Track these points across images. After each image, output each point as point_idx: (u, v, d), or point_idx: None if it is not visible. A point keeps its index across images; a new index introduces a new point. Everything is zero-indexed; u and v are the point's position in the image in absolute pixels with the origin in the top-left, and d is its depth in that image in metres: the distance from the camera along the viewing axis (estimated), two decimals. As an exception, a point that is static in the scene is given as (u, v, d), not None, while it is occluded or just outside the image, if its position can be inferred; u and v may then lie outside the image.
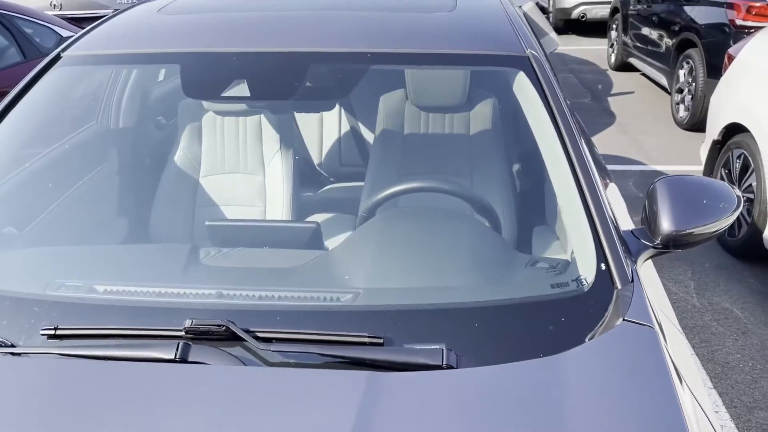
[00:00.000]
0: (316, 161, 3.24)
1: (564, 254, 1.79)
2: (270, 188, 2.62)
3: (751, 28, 5.26)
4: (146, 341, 1.27)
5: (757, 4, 5.25)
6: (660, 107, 6.89)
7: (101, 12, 5.95)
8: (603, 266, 1.41)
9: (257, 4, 2.13)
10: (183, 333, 1.26)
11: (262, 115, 2.61)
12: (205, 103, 2.56)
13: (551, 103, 1.73)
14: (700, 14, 5.95)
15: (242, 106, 2.56)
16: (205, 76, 1.86)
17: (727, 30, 5.49)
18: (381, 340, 1.24)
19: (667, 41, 6.61)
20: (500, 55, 1.84)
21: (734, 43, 5.38)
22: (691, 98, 5.97)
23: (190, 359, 1.22)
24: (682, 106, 6.20)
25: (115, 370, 1.21)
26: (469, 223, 1.74)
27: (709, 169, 4.19)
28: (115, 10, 5.95)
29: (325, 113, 3.22)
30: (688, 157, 5.46)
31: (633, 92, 7.53)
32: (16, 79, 3.72)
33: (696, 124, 5.91)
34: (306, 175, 2.97)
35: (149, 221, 2.47)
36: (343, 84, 2.02)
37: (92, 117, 2.59)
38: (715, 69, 5.56)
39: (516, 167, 2.54)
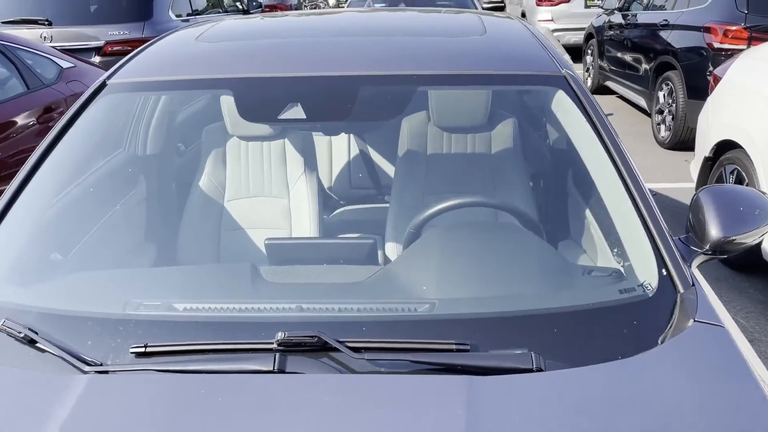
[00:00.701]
0: (326, 184, 3.30)
1: (597, 263, 1.86)
2: (295, 210, 2.66)
3: (728, 50, 5.49)
4: (239, 355, 1.29)
5: (733, 28, 5.48)
6: (640, 128, 7.10)
7: (92, 44, 5.96)
8: (664, 272, 1.48)
9: (291, 32, 2.19)
10: (275, 345, 1.28)
11: (286, 139, 2.66)
12: (229, 128, 2.60)
13: (594, 119, 1.82)
14: (677, 38, 6.18)
15: (266, 131, 2.62)
16: (261, 100, 1.91)
17: (705, 53, 5.72)
18: (468, 347, 1.28)
19: (645, 65, 6.84)
20: (538, 75, 1.93)
21: (713, 65, 5.61)
22: (672, 118, 6.18)
23: (288, 370, 1.25)
24: (663, 126, 6.41)
25: (213, 383, 1.24)
26: (522, 234, 1.80)
27: (702, 185, 4.34)
28: (107, 42, 6.00)
29: (333, 137, 3.28)
30: (672, 175, 5.63)
31: (612, 114, 7.76)
32: (20, 110, 3.74)
33: (678, 143, 6.11)
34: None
35: (177, 246, 2.49)
36: (392, 105, 2.08)
37: (122, 144, 2.61)
38: (695, 90, 5.78)
39: (540, 182, 2.62)
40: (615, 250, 1.83)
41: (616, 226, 1.73)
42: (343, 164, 3.41)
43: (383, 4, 6.90)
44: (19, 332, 1.36)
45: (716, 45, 5.58)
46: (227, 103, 2.47)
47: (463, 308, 1.42)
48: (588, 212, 2.15)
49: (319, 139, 3.23)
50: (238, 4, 8.73)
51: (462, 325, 1.35)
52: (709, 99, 4.37)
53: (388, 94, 1.95)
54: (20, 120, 3.74)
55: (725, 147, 4.03)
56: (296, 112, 1.87)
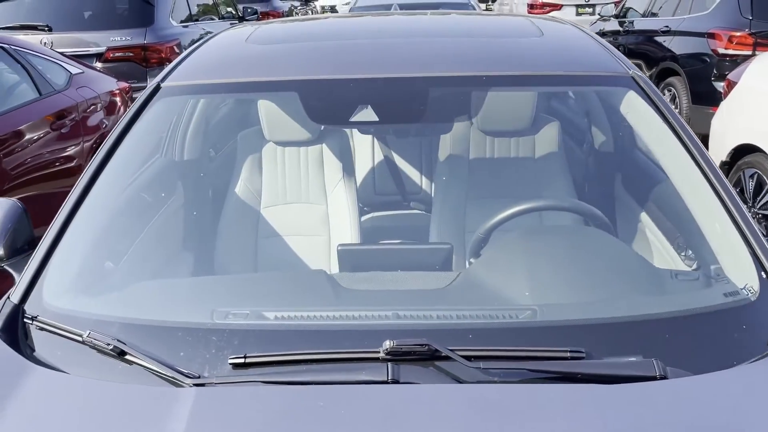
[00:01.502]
0: None
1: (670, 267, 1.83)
2: (334, 217, 2.60)
3: (733, 56, 5.54)
4: (346, 365, 1.23)
5: (738, 34, 5.54)
6: (641, 134, 7.14)
7: (92, 50, 5.85)
8: (764, 274, 1.45)
9: (345, 35, 2.15)
10: (383, 354, 1.23)
11: (324, 144, 2.61)
12: (266, 134, 2.54)
13: (670, 119, 1.79)
14: (680, 45, 6.24)
15: (303, 135, 2.56)
16: (331, 103, 1.86)
17: (710, 59, 5.77)
18: (583, 354, 1.24)
19: (646, 71, 6.89)
20: (607, 76, 1.90)
21: (717, 71, 5.66)
22: (676, 124, 6.21)
23: (402, 380, 1.20)
24: (666, 132, 6.44)
25: (326, 394, 1.18)
26: (604, 237, 1.76)
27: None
28: (109, 48, 5.89)
29: (357, 143, 3.24)
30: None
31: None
32: (34, 116, 3.64)
33: (682, 148, 6.14)
34: None
35: (214, 254, 2.43)
36: (464, 106, 2.04)
37: (160, 149, 2.53)
38: (699, 96, 5.82)
39: (594, 184, 2.58)
40: (687, 253, 1.79)
41: (701, 228, 1.70)
42: (367, 170, 3.36)
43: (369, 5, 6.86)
44: (107, 344, 1.29)
45: (721, 51, 5.63)
46: (265, 107, 2.42)
47: (568, 314, 1.37)
48: (650, 214, 2.13)
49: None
50: (231, 10, 8.66)
51: (570, 332, 1.30)
52: (723, 104, 4.39)
53: (460, 96, 1.91)
54: (34, 126, 3.64)
55: (743, 151, 4.04)
56: (368, 114, 1.82)
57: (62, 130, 3.85)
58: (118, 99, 4.68)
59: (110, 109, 4.50)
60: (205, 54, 2.10)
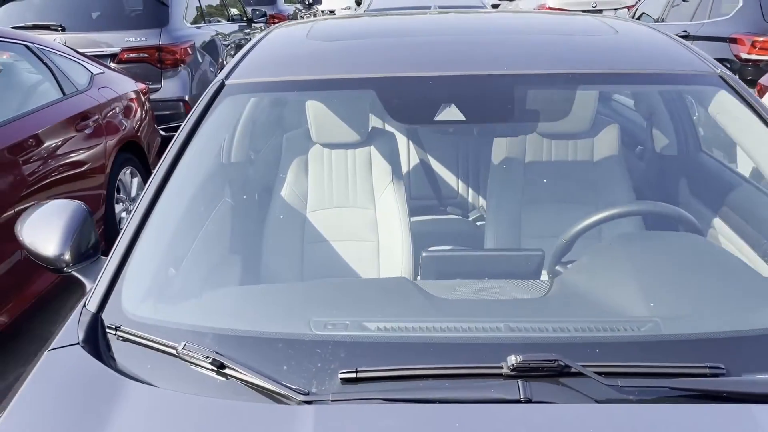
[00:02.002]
0: None
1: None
2: (382, 222, 2.51)
3: (757, 61, 5.48)
4: (468, 381, 1.14)
5: (761, 39, 5.49)
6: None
7: (107, 50, 5.73)
8: None
9: (411, 32, 2.06)
10: (508, 370, 1.14)
11: (372, 147, 2.52)
12: (314, 135, 2.45)
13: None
14: (702, 49, 6.17)
15: (352, 137, 2.47)
16: (414, 101, 1.77)
17: (732, 64, 5.72)
18: (723, 370, 1.15)
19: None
20: (695, 74, 1.82)
21: (740, 76, 5.61)
22: (695, 129, 6.17)
23: (535, 399, 1.10)
24: (684, 138, 6.39)
25: (448, 412, 1.08)
26: (708, 245, 1.68)
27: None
28: (123, 48, 5.77)
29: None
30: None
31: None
32: (58, 116, 3.53)
33: (702, 154, 6.09)
34: None
35: (260, 259, 2.34)
36: (554, 105, 1.95)
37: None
38: (721, 101, 5.76)
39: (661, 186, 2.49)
40: None
41: None
42: (403, 174, 3.28)
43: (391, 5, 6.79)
44: (205, 357, 1.19)
45: (744, 56, 5.58)
46: (313, 108, 2.33)
47: (697, 326, 1.28)
48: (726, 219, 2.04)
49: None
50: (238, 12, 8.56)
51: (703, 346, 1.21)
52: (755, 108, 4.33)
53: (546, 95, 1.82)
54: (60, 126, 3.53)
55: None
56: (452, 113, 1.73)
57: (86, 131, 3.74)
58: (136, 100, 4.57)
59: (130, 110, 4.40)
60: (267, 50, 2.01)
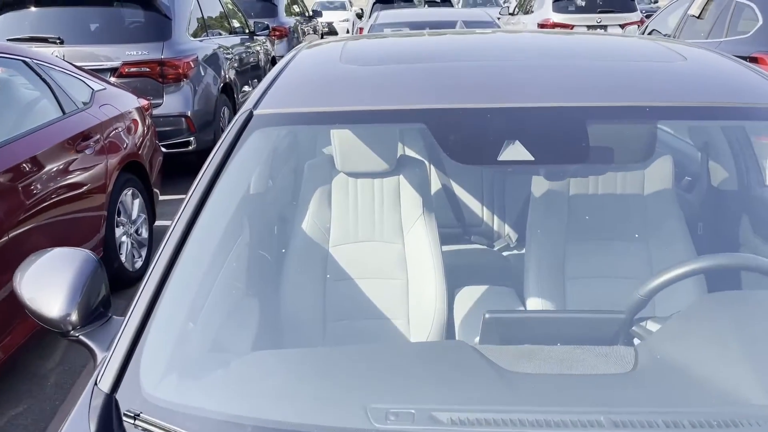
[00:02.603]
0: None
1: None
2: (412, 258, 2.30)
3: (779, 81, 5.32)
4: None
5: (784, 59, 5.32)
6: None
7: (107, 64, 5.52)
8: None
9: (454, 56, 1.85)
10: None
11: (401, 176, 2.31)
12: (338, 164, 2.24)
13: None
14: (717, 68, 6.01)
15: (380, 166, 2.26)
16: (470, 138, 1.55)
17: (752, 83, 5.55)
18: None
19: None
20: None
21: (762, 96, 5.43)
22: (713, 150, 5.99)
23: None
24: (700, 158, 6.21)
25: None
26: None
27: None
28: (124, 62, 5.55)
29: None
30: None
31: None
32: (59, 136, 3.31)
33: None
34: None
35: (279, 299, 2.12)
36: (632, 143, 1.74)
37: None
38: (741, 121, 5.59)
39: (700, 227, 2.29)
40: None
41: None
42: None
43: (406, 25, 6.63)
44: None
45: (765, 75, 5.41)
46: (338, 134, 2.12)
47: None
48: None
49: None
50: (240, 24, 8.37)
51: None
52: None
53: (624, 131, 1.62)
54: (60, 147, 3.30)
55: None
56: (517, 152, 1.51)
57: (87, 152, 3.52)
58: (139, 118, 4.36)
59: (132, 128, 4.18)
60: (297, 76, 1.80)
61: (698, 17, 6.70)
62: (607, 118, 1.55)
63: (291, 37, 11.46)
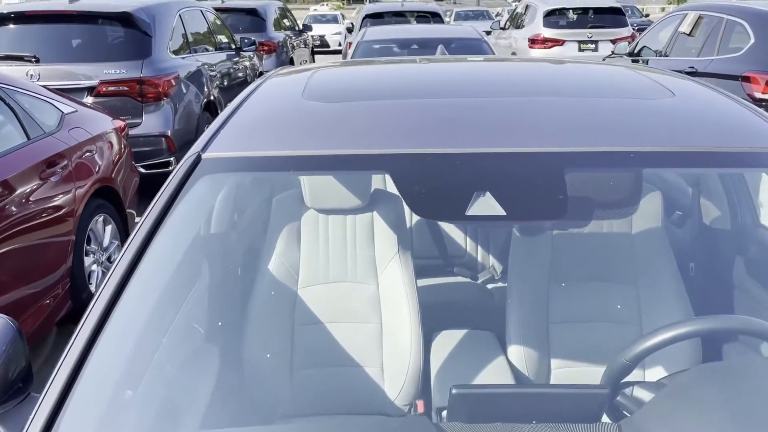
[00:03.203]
0: None
1: None
2: (386, 299, 2.15)
3: (772, 101, 5.22)
4: None
5: (776, 78, 5.22)
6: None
7: (84, 83, 5.36)
8: None
9: (425, 90, 1.71)
10: None
11: (375, 212, 2.17)
12: (307, 200, 2.10)
13: None
14: (709, 87, 5.91)
15: (353, 203, 2.12)
16: (436, 189, 1.40)
17: (744, 103, 5.44)
18: None
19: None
20: None
21: (754, 115, 5.33)
22: (705, 170, 5.88)
23: None
24: (692, 178, 6.11)
25: None
26: None
27: None
28: (102, 81, 5.41)
29: None
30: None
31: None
32: (21, 164, 3.15)
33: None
34: None
35: (242, 346, 1.97)
36: (616, 195, 1.59)
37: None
38: (733, 141, 5.48)
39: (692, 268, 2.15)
40: None
41: None
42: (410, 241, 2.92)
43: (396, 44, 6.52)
44: None
45: (757, 95, 5.31)
46: None
47: None
48: None
49: None
50: (226, 40, 8.25)
51: None
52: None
53: (607, 180, 1.48)
54: (22, 176, 3.14)
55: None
56: (487, 205, 1.35)
57: (52, 179, 3.36)
58: (114, 140, 4.20)
59: (105, 152, 4.02)
60: (253, 113, 1.65)
61: (689, 34, 6.61)
62: (587, 166, 1.41)
63: (280, 52, 11.34)
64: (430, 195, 1.41)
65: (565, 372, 2.01)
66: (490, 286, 2.85)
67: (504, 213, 1.34)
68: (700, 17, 6.48)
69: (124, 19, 5.64)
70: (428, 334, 2.13)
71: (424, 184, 1.40)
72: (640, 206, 2.17)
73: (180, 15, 6.55)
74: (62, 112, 3.75)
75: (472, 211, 1.35)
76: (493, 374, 1.93)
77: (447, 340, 2.17)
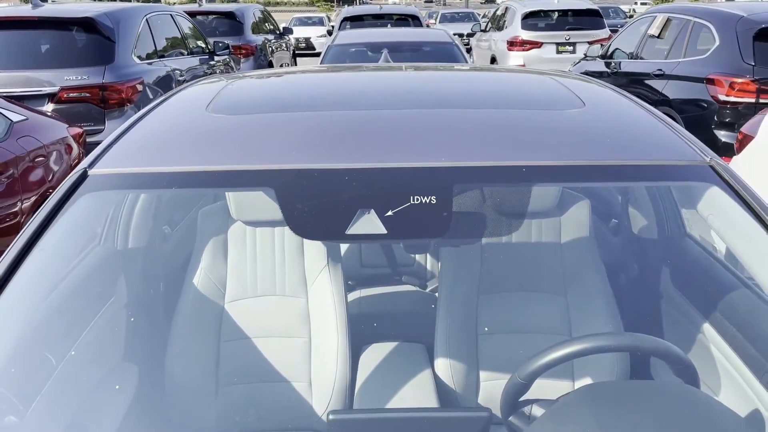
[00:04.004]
0: None
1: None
2: (315, 313, 2.11)
3: (736, 103, 5.21)
4: None
5: (740, 81, 5.21)
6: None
7: (44, 90, 5.30)
8: None
9: (332, 100, 1.67)
10: None
11: None
12: (233, 212, 2.05)
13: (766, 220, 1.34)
14: (675, 90, 5.91)
15: (280, 214, 2.08)
16: (318, 206, 1.36)
17: (708, 105, 5.44)
18: None
19: (637, 115, 6.55)
20: (680, 166, 1.45)
21: (718, 118, 5.32)
22: (672, 172, 5.87)
23: None
24: (661, 180, 6.09)
25: None
26: (701, 401, 1.28)
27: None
28: (63, 87, 5.34)
29: None
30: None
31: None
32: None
33: (680, 198, 5.79)
34: None
35: (164, 366, 1.92)
36: (498, 208, 1.56)
37: (95, 238, 2.01)
38: (699, 144, 5.48)
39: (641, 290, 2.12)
40: None
41: None
42: (341, 254, 2.89)
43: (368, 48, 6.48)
44: None
45: (722, 98, 5.30)
46: None
47: None
48: (719, 329, 1.67)
49: None
50: (200, 44, 8.19)
51: None
52: (738, 158, 4.01)
53: (498, 194, 1.44)
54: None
55: None
56: (370, 224, 1.32)
57: (-4, 190, 3.31)
58: (68, 147, 4.14)
59: (58, 159, 3.97)
60: (151, 128, 1.61)
61: (658, 37, 6.61)
62: (475, 181, 1.37)
63: (258, 56, 11.28)
64: (314, 213, 1.36)
65: (494, 384, 1.98)
66: (437, 294, 2.82)
67: (385, 231, 1.30)
68: (668, 19, 6.48)
69: (86, 24, 5.58)
70: (358, 348, 2.09)
71: (307, 202, 1.36)
72: (568, 215, 2.14)
73: (147, 20, 6.48)
74: (11, 121, 3.69)
75: (353, 229, 1.31)
76: (417, 389, 1.89)
77: (376, 354, 2.13)
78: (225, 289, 2.07)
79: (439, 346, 1.95)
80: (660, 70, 6.21)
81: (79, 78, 5.33)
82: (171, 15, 7.39)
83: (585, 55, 8.38)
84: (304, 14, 26.71)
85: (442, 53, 6.63)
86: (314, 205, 1.36)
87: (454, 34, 7.54)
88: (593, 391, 1.32)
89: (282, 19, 21.23)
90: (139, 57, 6.07)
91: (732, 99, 5.24)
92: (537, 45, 11.06)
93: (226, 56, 8.75)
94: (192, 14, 10.52)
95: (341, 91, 1.89)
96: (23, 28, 5.53)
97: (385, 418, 1.41)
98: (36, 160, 3.73)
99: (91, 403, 1.71)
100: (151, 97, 5.95)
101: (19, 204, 3.45)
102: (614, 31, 9.54)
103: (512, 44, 11.20)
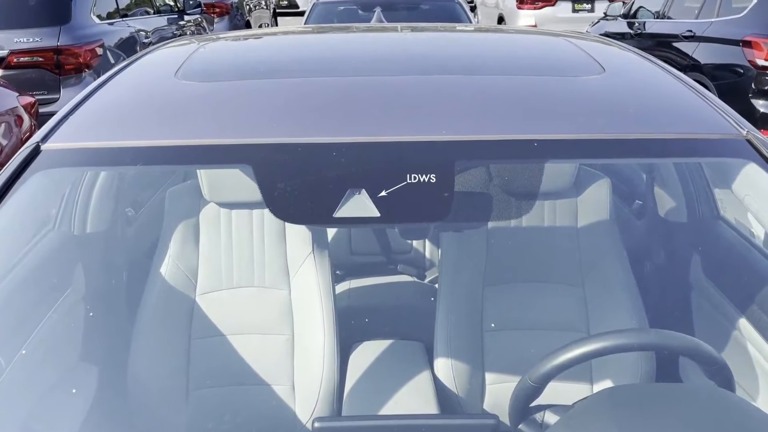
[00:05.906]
0: None
1: None
2: (299, 307, 2.11)
3: (776, 69, 5.22)
4: None
5: (780, 43, 5.21)
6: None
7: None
8: None
9: (317, 64, 1.65)
10: None
11: None
12: (205, 192, 2.05)
13: None
14: (706, 53, 5.91)
15: (258, 195, 2.08)
16: (307, 185, 1.34)
17: (745, 71, 5.44)
18: None
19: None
20: (714, 140, 1.45)
21: (756, 86, 5.33)
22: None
23: None
24: (690, 156, 6.12)
25: None
26: (734, 405, 1.28)
27: None
28: (12, 51, 5.31)
29: None
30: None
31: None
32: None
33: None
34: None
35: (127, 367, 1.93)
36: (506, 187, 1.55)
37: (49, 221, 2.00)
38: (733, 114, 5.50)
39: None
40: None
41: None
42: (328, 240, 2.90)
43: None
44: None
45: (760, 63, 5.31)
46: None
47: None
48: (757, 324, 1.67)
49: None
50: (169, 2, 8.15)
51: None
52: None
53: (507, 172, 1.43)
54: None
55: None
56: (360, 206, 1.30)
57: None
58: (18, 119, 4.12)
59: (6, 133, 3.95)
60: (113, 97, 1.59)
61: (688, -7, 6.60)
62: (484, 157, 1.37)
63: (233, 15, 11.26)
64: (297, 193, 1.35)
65: (502, 388, 1.98)
66: (438, 285, 2.83)
67: (377, 214, 1.29)
68: (699, -26, 6.47)
69: (38, -21, 5.55)
70: (348, 346, 2.09)
71: (290, 181, 1.35)
72: (586, 196, 2.14)
73: (108, -27, 6.45)
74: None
75: (342, 212, 1.30)
76: (414, 393, 1.90)
77: (367, 353, 2.14)
78: (196, 279, 2.07)
79: (439, 345, 1.93)
80: (690, 31, 6.22)
81: (31, 40, 5.33)
82: (135, -32, 7.34)
83: (605, 13, 8.38)
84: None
85: (443, 12, 6.64)
86: (298, 184, 1.35)
87: None
88: (614, 396, 1.32)
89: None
90: (99, 16, 6.06)
91: (771, 64, 5.26)
92: (550, 2, 11.07)
93: (198, 15, 8.74)
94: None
95: (328, 55, 1.88)
96: (-35, -17, 5.50)
97: (378, 426, 1.42)
98: (-19, 133, 3.71)
99: (45, 409, 1.71)
100: (112, 61, 5.94)
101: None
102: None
103: (522, 2, 11.19)
